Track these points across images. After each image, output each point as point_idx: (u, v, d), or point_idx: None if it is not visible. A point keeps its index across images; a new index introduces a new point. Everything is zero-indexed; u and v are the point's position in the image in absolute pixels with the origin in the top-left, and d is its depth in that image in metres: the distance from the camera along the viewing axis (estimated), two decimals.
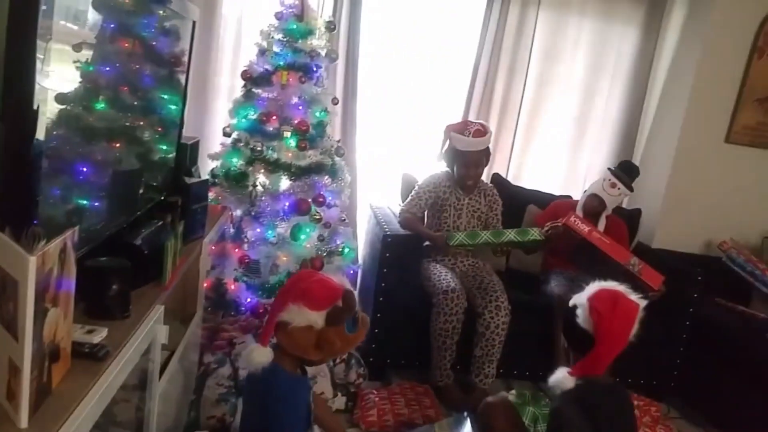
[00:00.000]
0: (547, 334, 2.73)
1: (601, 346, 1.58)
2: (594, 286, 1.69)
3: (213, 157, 2.67)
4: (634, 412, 1.80)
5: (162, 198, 1.86)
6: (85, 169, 1.30)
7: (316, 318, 1.48)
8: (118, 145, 1.47)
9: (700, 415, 2.91)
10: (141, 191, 1.71)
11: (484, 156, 2.86)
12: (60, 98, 1.16)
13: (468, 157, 2.80)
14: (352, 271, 2.95)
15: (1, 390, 0.92)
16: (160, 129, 1.80)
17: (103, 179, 1.44)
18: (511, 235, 2.73)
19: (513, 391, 2.60)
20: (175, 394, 1.98)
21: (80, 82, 1.24)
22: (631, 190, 2.96)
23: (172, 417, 1.98)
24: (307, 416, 1.68)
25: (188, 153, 2.04)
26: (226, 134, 2.67)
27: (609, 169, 3.01)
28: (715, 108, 3.32)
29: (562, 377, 1.62)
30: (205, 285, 2.31)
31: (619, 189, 2.89)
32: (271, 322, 1.53)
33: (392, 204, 3.18)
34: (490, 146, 2.97)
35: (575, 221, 2.77)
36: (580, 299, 1.67)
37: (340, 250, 2.73)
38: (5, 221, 0.93)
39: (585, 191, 3.08)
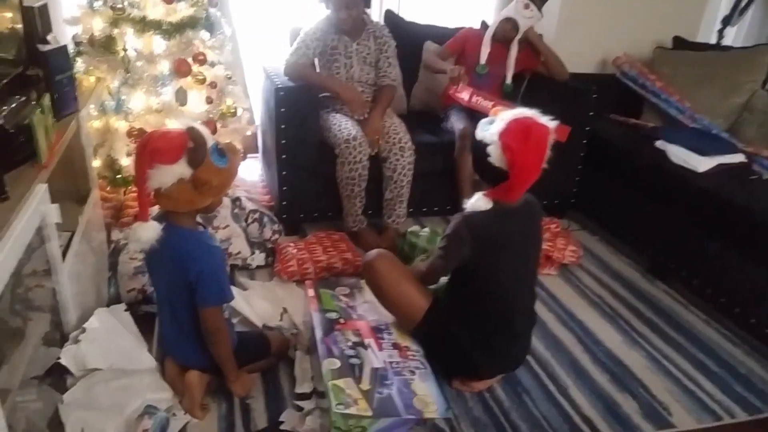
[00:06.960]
0: (453, 170, 2.79)
1: (516, 178, 1.57)
2: (503, 119, 1.58)
3: (70, 22, 2.41)
4: (539, 232, 1.89)
5: (19, 72, 1.69)
6: None
7: (180, 169, 1.45)
8: None
9: (597, 225, 3.13)
10: None
11: None
12: None
13: None
14: (249, 132, 2.88)
15: None
16: None
17: None
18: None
19: (410, 228, 2.65)
20: (88, 273, 1.97)
21: None
22: (542, 14, 2.94)
23: (91, 295, 1.98)
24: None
25: (37, 18, 1.83)
26: None
27: None
28: None
29: (478, 198, 1.63)
30: (95, 163, 2.22)
31: (531, 11, 2.89)
32: (143, 195, 1.50)
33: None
34: None
35: (454, 92, 2.83)
36: (490, 136, 1.58)
37: (233, 111, 2.62)
38: None
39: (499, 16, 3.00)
